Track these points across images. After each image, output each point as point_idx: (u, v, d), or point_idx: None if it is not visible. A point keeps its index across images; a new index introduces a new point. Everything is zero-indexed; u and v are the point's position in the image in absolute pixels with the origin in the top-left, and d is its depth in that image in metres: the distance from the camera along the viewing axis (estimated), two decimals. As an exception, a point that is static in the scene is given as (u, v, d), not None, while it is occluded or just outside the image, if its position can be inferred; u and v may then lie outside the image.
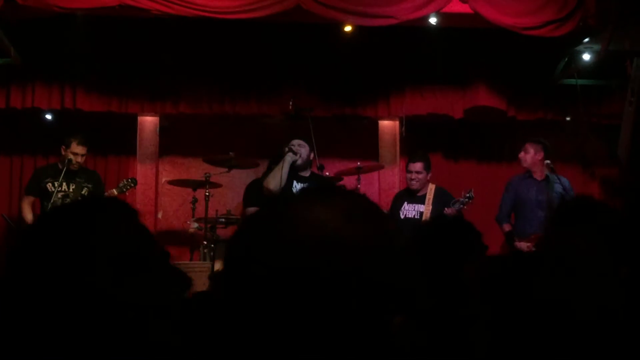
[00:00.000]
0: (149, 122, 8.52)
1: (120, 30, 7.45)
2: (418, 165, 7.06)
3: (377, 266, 1.03)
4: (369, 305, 1.01)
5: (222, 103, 7.96)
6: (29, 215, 6.94)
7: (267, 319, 1.01)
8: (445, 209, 6.80)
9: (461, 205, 6.73)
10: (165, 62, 7.76)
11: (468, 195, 6.75)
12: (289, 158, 6.56)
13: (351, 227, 1.04)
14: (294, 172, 6.65)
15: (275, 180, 6.51)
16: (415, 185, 7.05)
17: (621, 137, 7.48)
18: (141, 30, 7.48)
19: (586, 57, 7.59)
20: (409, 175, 7.09)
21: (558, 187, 7.11)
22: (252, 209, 7.35)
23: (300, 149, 6.64)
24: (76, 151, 6.88)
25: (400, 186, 8.40)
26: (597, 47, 7.38)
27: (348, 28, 7.20)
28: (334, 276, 1.00)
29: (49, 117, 8.08)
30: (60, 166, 6.90)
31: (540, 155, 7.15)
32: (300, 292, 1.00)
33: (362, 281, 1.01)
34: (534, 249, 6.85)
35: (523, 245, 6.95)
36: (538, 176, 7.20)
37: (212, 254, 7.00)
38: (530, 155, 7.17)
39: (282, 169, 6.52)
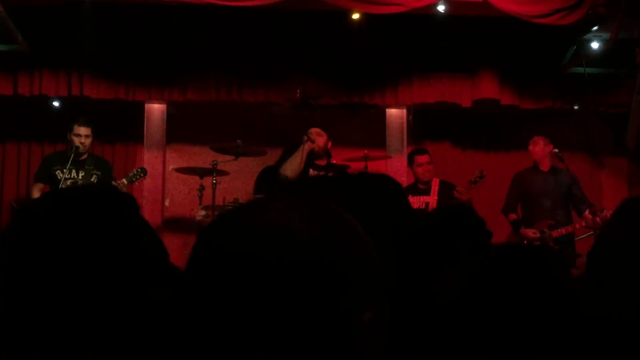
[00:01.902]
0: (156, 109, 8.51)
1: (128, 17, 7.44)
2: (427, 157, 7.29)
3: (346, 261, 1.03)
4: (334, 300, 1.00)
5: (229, 91, 7.94)
6: (38, 203, 6.93)
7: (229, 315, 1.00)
8: (456, 189, 6.89)
9: (472, 185, 6.86)
10: (172, 50, 7.75)
11: (479, 175, 6.87)
12: (307, 146, 6.66)
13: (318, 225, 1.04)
14: (310, 160, 6.78)
15: (292, 168, 6.66)
16: (428, 176, 7.24)
17: (629, 126, 7.45)
18: (149, 18, 7.47)
19: (595, 45, 7.56)
20: (420, 168, 7.24)
21: (565, 178, 7.18)
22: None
23: (318, 138, 6.74)
24: (79, 132, 6.86)
25: (408, 174, 8.40)
26: (606, 35, 7.35)
27: (356, 16, 7.18)
28: (299, 271, 0.99)
29: (56, 104, 8.09)
30: (69, 153, 6.90)
31: (550, 147, 7.21)
32: (262, 287, 0.99)
33: (328, 276, 1.01)
34: (539, 234, 6.95)
35: (529, 232, 7.05)
36: (544, 167, 7.27)
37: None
38: (539, 147, 7.23)
39: (300, 156, 6.62)
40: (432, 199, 7.18)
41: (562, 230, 7.01)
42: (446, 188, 7.15)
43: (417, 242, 2.86)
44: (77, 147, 6.81)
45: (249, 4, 6.63)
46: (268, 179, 7.20)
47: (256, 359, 0.98)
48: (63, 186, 6.76)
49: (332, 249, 1.02)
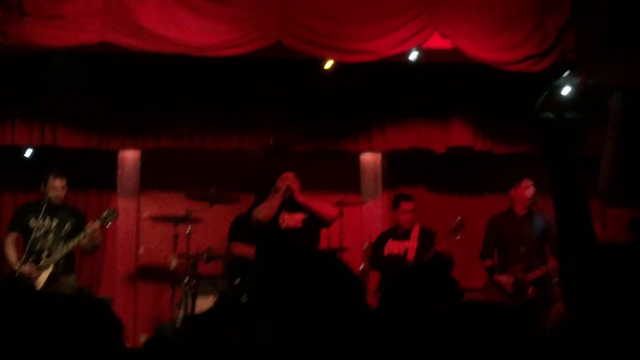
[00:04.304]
0: (129, 156, 8.47)
1: (101, 66, 7.40)
2: (412, 204, 7.41)
3: None
4: None
5: (202, 138, 7.89)
6: (12, 254, 6.87)
7: None
8: (437, 239, 6.94)
9: (453, 233, 6.94)
10: (145, 98, 7.71)
11: (460, 223, 6.92)
12: (286, 193, 6.82)
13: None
14: (284, 203, 6.86)
15: (266, 211, 6.85)
16: (410, 224, 7.35)
17: (601, 170, 7.48)
18: (122, 66, 7.44)
19: (566, 90, 7.60)
20: (404, 215, 7.33)
21: (541, 222, 7.23)
22: (237, 244, 7.37)
23: (295, 182, 6.85)
24: (55, 184, 6.84)
25: (383, 219, 8.41)
26: (577, 80, 7.40)
27: (328, 65, 7.18)
28: None
29: (29, 152, 7.98)
30: (41, 203, 6.83)
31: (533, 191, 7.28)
32: None
33: None
34: (513, 280, 6.99)
35: (504, 278, 7.09)
36: (520, 212, 7.29)
37: (193, 291, 6.98)
38: (531, 190, 7.27)
39: (276, 201, 6.82)
40: (411, 245, 7.26)
41: (537, 272, 7.11)
42: (426, 236, 7.24)
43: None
44: (50, 198, 6.76)
45: (222, 53, 6.61)
46: (242, 226, 7.21)
47: None
48: (37, 235, 6.72)
49: None
